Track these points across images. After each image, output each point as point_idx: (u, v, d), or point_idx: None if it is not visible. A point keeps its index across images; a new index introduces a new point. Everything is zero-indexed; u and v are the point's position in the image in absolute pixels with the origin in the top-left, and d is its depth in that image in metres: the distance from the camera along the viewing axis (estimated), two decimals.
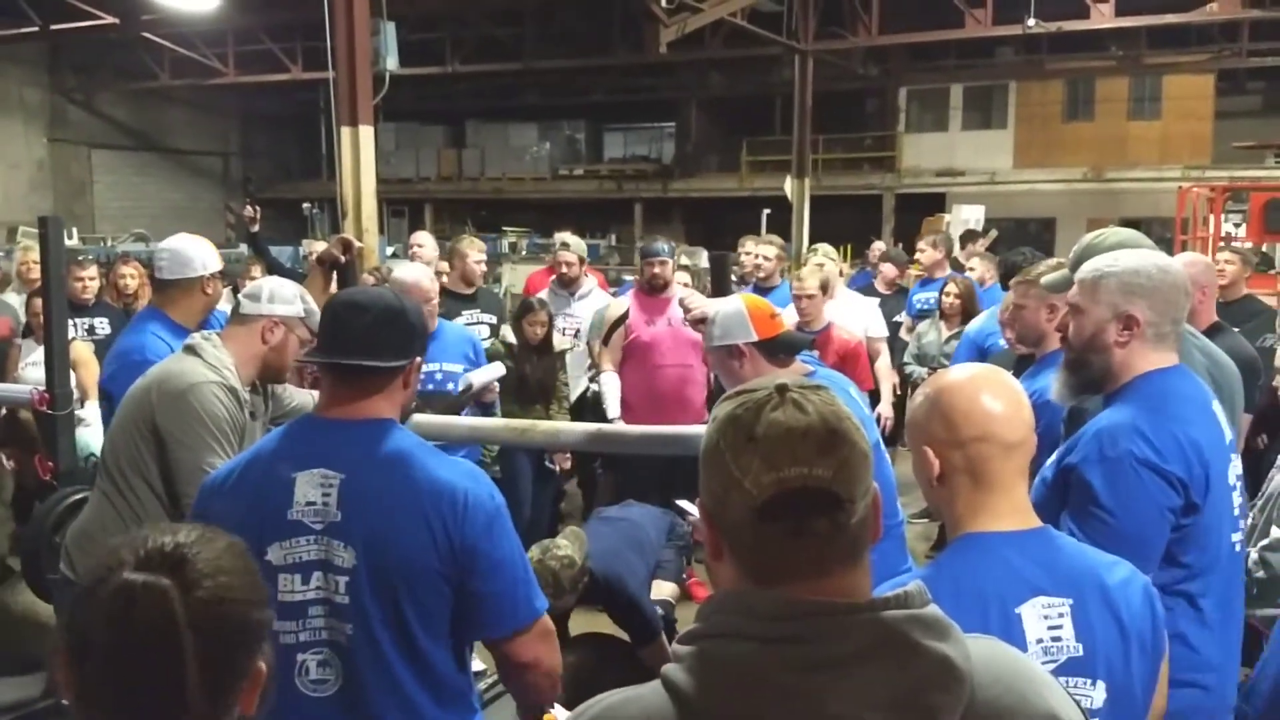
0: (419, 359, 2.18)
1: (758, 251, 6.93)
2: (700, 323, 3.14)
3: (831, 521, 1.10)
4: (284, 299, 2.97)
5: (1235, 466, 2.29)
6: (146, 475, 2.82)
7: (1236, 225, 13.27)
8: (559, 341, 5.75)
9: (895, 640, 1.07)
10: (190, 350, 2.90)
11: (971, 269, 7.34)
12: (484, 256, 6.40)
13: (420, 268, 5.09)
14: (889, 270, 7.96)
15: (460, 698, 2.13)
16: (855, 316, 6.15)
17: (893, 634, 1.07)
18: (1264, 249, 12.03)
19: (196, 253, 3.66)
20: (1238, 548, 2.30)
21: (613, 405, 5.44)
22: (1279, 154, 19.67)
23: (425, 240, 7.31)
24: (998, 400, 1.69)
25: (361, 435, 2.07)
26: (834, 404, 1.15)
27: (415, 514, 2.00)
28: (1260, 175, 18.29)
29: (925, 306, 7.18)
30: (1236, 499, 2.28)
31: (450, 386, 4.79)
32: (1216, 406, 2.28)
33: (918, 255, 7.62)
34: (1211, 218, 12.57)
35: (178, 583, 1.19)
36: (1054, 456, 2.25)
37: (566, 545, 3.62)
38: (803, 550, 1.11)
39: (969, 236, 10.31)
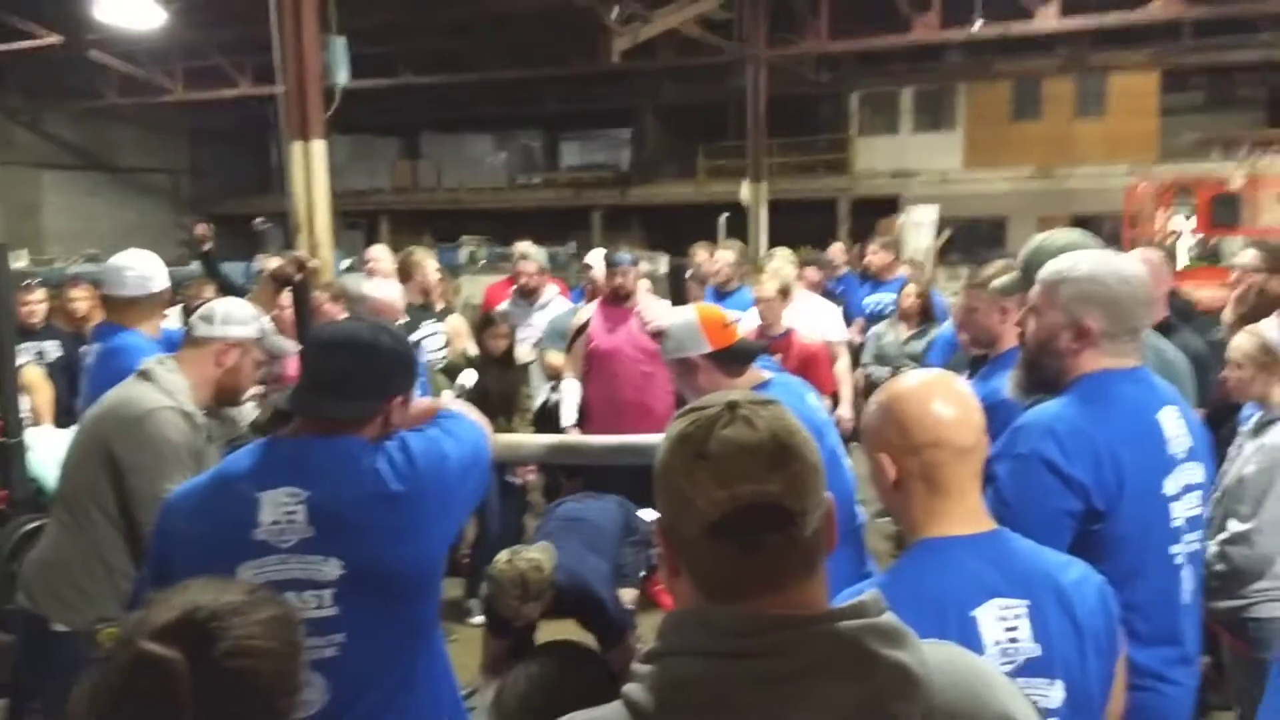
0: (400, 398, 2.14)
1: (717, 256, 6.95)
2: (659, 335, 3.15)
3: (784, 536, 1.11)
4: (238, 320, 2.94)
5: (1185, 475, 2.21)
6: (103, 504, 2.78)
7: (1187, 218, 13.51)
8: (521, 354, 5.74)
9: (853, 651, 1.08)
10: (144, 376, 2.86)
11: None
12: (436, 265, 6.38)
13: (391, 285, 5.07)
14: (812, 274, 7.86)
15: (450, 701, 2.18)
16: (814, 320, 6.17)
17: (850, 645, 1.08)
18: (1213, 243, 12.24)
19: (156, 269, 3.69)
20: (1179, 559, 2.21)
21: (567, 413, 5.43)
22: (1224, 148, 19.99)
23: (382, 254, 7.25)
24: (949, 406, 1.71)
25: (325, 452, 2.05)
26: (784, 419, 1.16)
27: (393, 523, 2.01)
28: (1206, 169, 18.61)
29: (877, 309, 7.17)
30: (1182, 510, 2.21)
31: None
32: (1166, 414, 2.22)
33: (869, 258, 7.61)
34: (1159, 213, 12.78)
35: (193, 656, 1.14)
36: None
37: (535, 551, 3.61)
38: (757, 566, 1.12)
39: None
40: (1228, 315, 4.30)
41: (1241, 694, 3.26)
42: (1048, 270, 2.28)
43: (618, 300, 5.58)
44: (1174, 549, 2.20)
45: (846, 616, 1.10)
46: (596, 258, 6.62)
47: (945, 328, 5.89)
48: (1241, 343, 3.42)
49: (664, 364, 5.36)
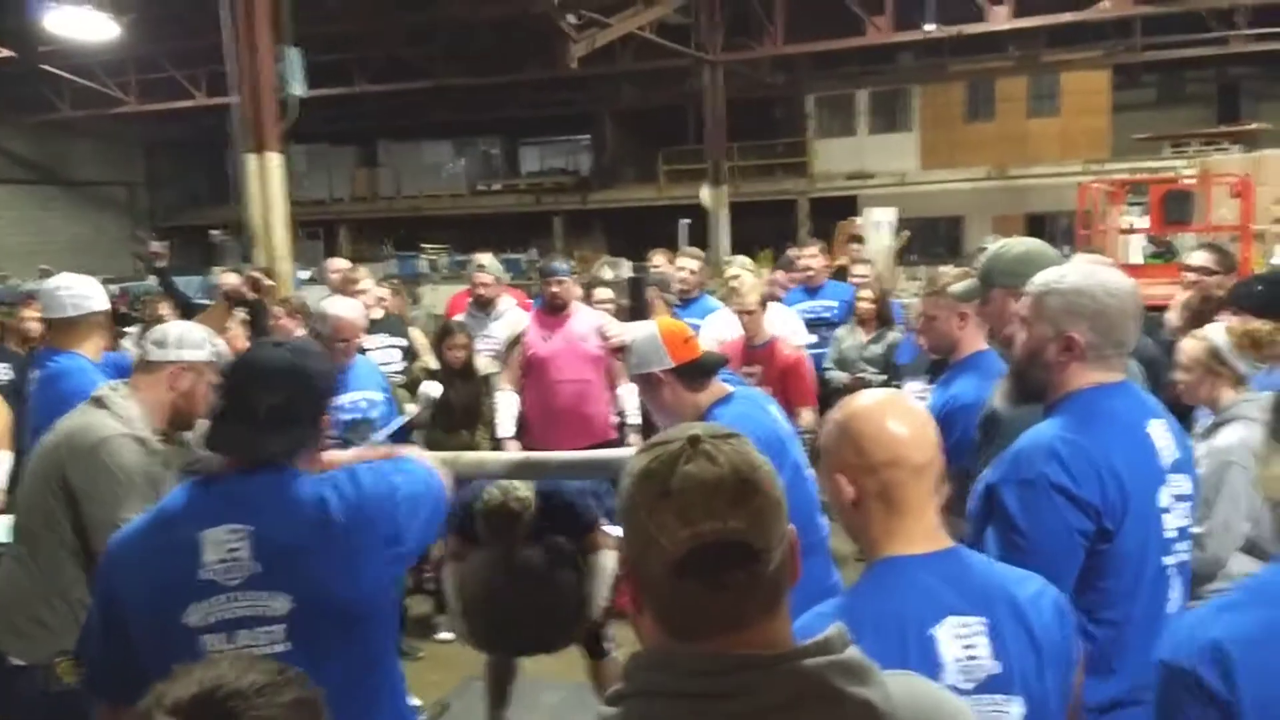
0: (326, 416, 2.14)
1: (680, 264, 6.94)
2: (620, 350, 3.16)
3: (749, 573, 1.11)
4: (192, 344, 2.90)
5: (1175, 486, 2.22)
6: (61, 535, 2.73)
7: (1139, 216, 13.67)
8: (483, 365, 5.72)
9: (818, 689, 1.08)
10: (97, 402, 2.82)
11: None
12: (370, 285, 6.37)
13: (352, 303, 5.04)
14: (781, 277, 7.68)
15: None
16: (774, 327, 6.18)
17: (815, 683, 1.08)
18: (1169, 240, 12.37)
19: (93, 289, 3.66)
20: (1171, 570, 2.23)
21: (505, 424, 5.40)
22: (1175, 145, 20.29)
23: (344, 266, 7.28)
24: (903, 424, 1.72)
25: (263, 485, 2.02)
26: (747, 453, 1.16)
27: (341, 552, 1.98)
28: (1157, 166, 18.86)
29: (813, 316, 6.97)
30: (1173, 521, 2.22)
31: (374, 414, 4.76)
32: (1155, 427, 2.23)
33: (808, 261, 7.41)
34: (1112, 210, 12.92)
35: None
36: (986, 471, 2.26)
37: (523, 486, 3.72)
38: (721, 603, 1.11)
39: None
40: (1173, 319, 4.35)
41: None
42: (1037, 281, 2.28)
43: (554, 310, 5.56)
44: (1166, 560, 2.21)
45: (811, 654, 1.10)
46: (482, 258, 6.57)
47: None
48: (1189, 347, 3.47)
49: (604, 374, 5.42)
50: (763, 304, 5.47)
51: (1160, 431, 2.24)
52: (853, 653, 1.13)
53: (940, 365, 4.36)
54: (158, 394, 2.86)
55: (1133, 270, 10.42)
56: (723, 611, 1.12)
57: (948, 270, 4.31)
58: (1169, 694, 1.51)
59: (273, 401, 2.01)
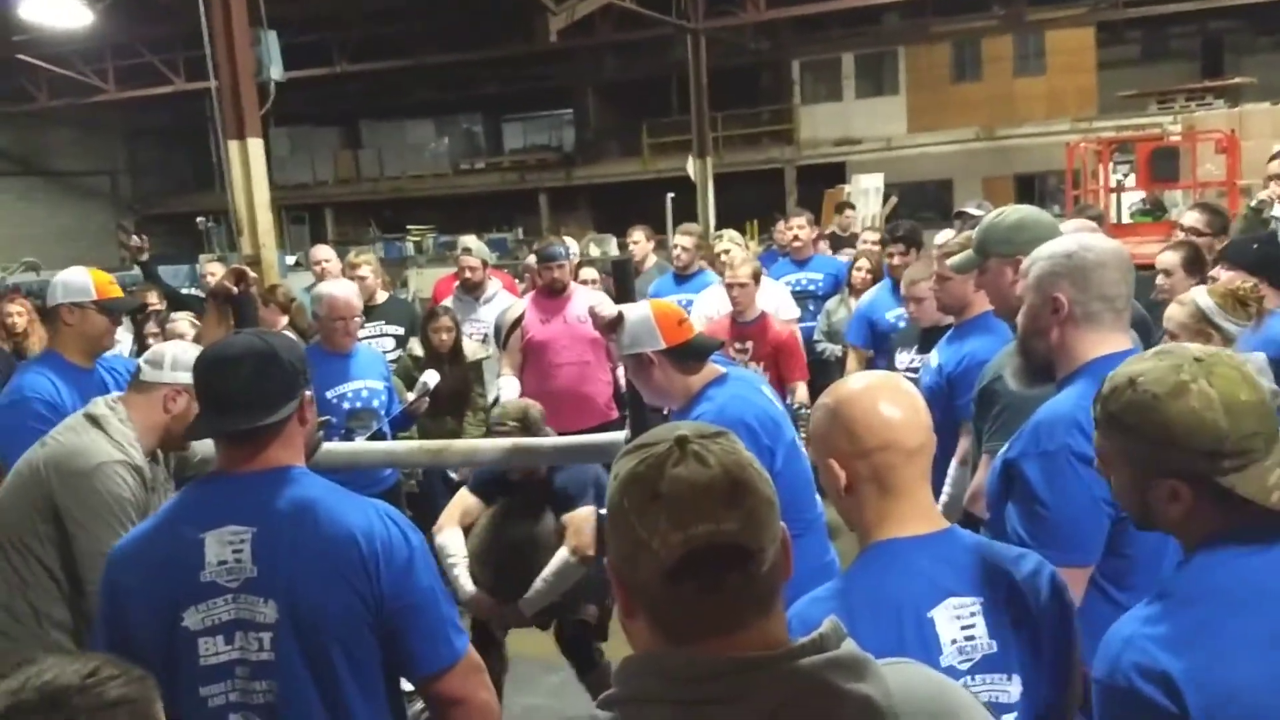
0: (308, 393, 2.12)
1: (676, 239, 6.90)
2: (612, 328, 3.13)
3: (743, 575, 1.09)
4: (186, 365, 2.86)
5: None
6: (39, 552, 2.69)
7: (1125, 176, 13.64)
8: (471, 350, 5.67)
9: (816, 689, 1.06)
10: (94, 422, 2.77)
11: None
12: (373, 269, 6.32)
13: (346, 284, 5.01)
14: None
15: None
16: (764, 301, 6.15)
17: (813, 682, 1.07)
18: (1161, 197, 12.36)
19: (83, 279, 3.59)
20: None
21: None
22: (1161, 100, 20.23)
23: (329, 255, 7.22)
24: (895, 407, 1.71)
25: (266, 486, 2.02)
26: (735, 452, 1.14)
27: (332, 564, 1.96)
28: (1144, 123, 18.81)
29: (799, 288, 6.93)
30: None
31: (376, 404, 4.73)
32: None
33: (796, 233, 7.33)
34: (1101, 170, 12.89)
35: None
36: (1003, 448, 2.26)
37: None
38: (716, 606, 1.10)
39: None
40: (1163, 281, 4.32)
41: None
42: (1028, 258, 2.32)
43: (552, 293, 5.53)
44: None
45: (807, 652, 1.08)
46: (467, 241, 6.54)
47: (861, 303, 5.89)
48: (1174, 312, 3.46)
49: (604, 355, 5.40)
50: (755, 278, 5.44)
51: None
52: (849, 647, 1.11)
53: (931, 335, 4.37)
54: (150, 415, 2.82)
55: (1122, 229, 10.42)
56: (718, 615, 1.10)
57: (952, 237, 4.31)
58: (1114, 713, 1.51)
59: (238, 380, 2.00)
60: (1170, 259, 4.31)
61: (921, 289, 4.32)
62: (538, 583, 3.83)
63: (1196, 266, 4.24)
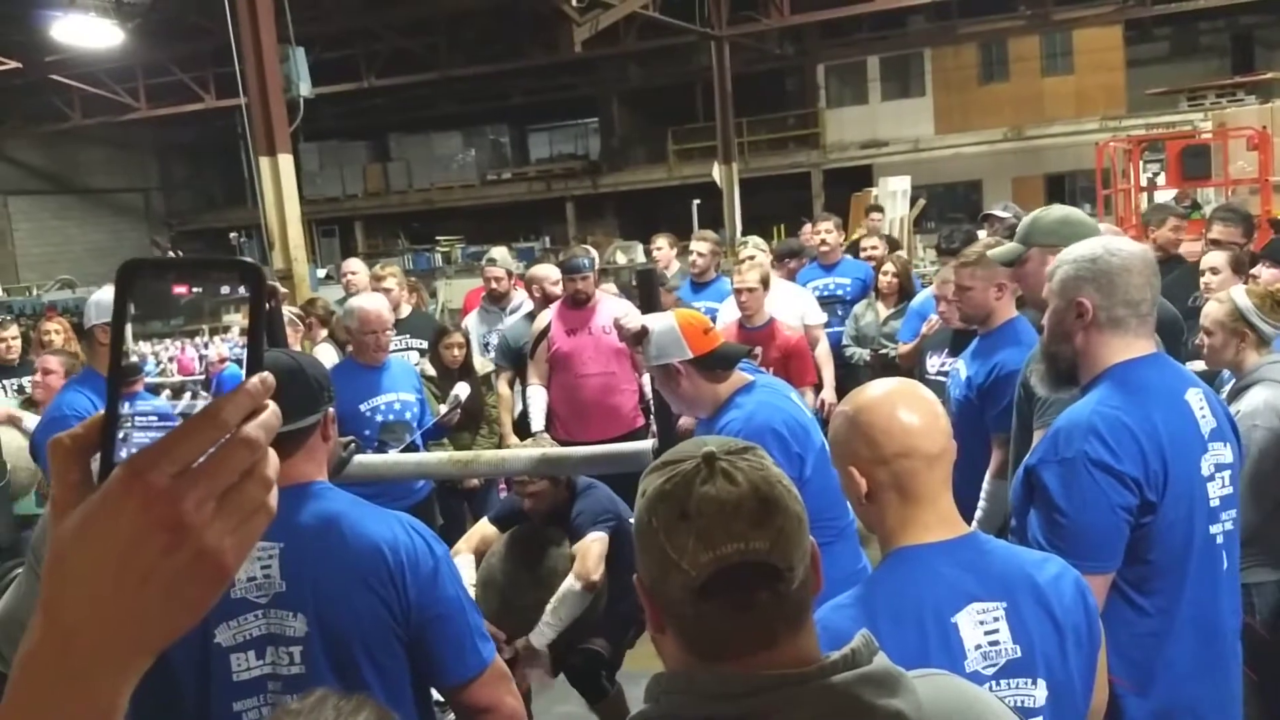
0: (330, 410, 2.15)
1: (693, 246, 6.90)
2: (638, 340, 3.13)
3: (773, 592, 1.09)
4: None
5: (1216, 455, 2.22)
6: None
7: (1155, 174, 13.53)
8: (481, 365, 5.67)
9: (848, 705, 1.06)
10: None
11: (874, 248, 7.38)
12: (399, 281, 6.35)
13: (378, 298, 5.07)
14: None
15: None
16: (790, 305, 6.15)
17: (845, 699, 1.06)
18: (1192, 195, 12.24)
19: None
20: (1219, 539, 2.23)
21: (537, 419, 5.39)
22: (1191, 97, 20.04)
23: (359, 268, 7.27)
24: (915, 414, 1.70)
25: (292, 502, 2.04)
26: (764, 468, 1.13)
27: (359, 577, 1.98)
28: (1174, 120, 18.65)
29: (827, 293, 6.91)
30: (1217, 490, 2.22)
31: (408, 415, 4.77)
32: (1193, 395, 2.23)
33: (824, 237, 7.35)
34: (1131, 168, 12.79)
35: None
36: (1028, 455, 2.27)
37: None
38: (747, 624, 1.10)
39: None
40: (1211, 282, 4.30)
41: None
42: (1052, 263, 2.32)
43: (577, 304, 5.56)
44: (1213, 529, 2.22)
45: (839, 669, 1.08)
46: (493, 253, 6.56)
47: (916, 301, 5.89)
48: (1212, 310, 3.43)
49: (628, 364, 5.41)
50: (763, 284, 5.44)
51: (1198, 400, 2.24)
52: (881, 662, 1.10)
53: (961, 338, 4.35)
54: None
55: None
56: (748, 633, 1.10)
57: (981, 241, 4.30)
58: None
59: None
60: (1218, 258, 4.31)
61: (951, 288, 4.32)
62: (546, 615, 3.77)
63: (1242, 266, 4.25)
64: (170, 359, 0.70)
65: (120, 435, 0.64)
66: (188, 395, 0.69)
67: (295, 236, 9.21)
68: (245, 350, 0.65)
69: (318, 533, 2.01)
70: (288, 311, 5.72)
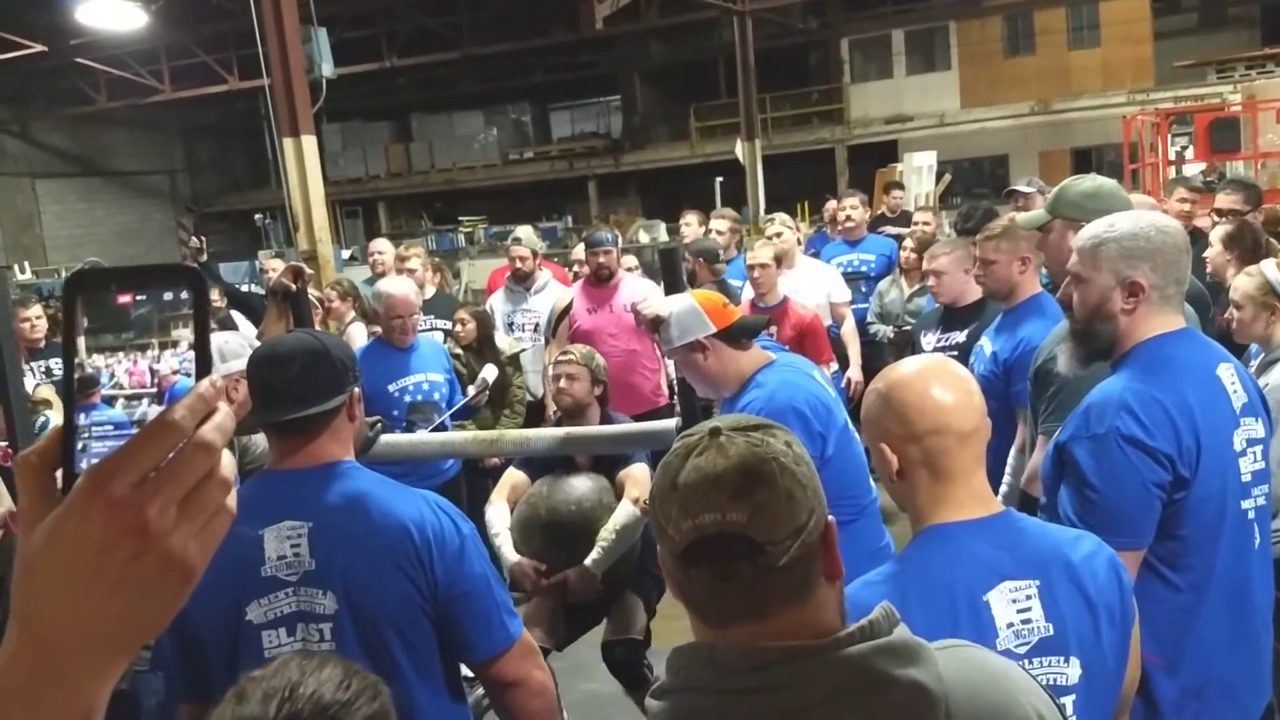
0: (356, 390, 2.17)
1: (711, 225, 6.88)
2: (655, 326, 3.11)
3: (753, 565, 1.10)
4: (234, 353, 2.96)
5: (1247, 430, 2.21)
6: None
7: (1184, 148, 13.39)
8: (507, 343, 5.65)
9: (866, 676, 1.07)
10: None
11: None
12: (423, 262, 6.35)
13: (406, 282, 5.09)
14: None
15: None
16: (816, 283, 6.12)
17: (862, 670, 1.07)
18: (1221, 169, 12.10)
19: None
20: (1251, 514, 2.22)
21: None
22: (1220, 69, 19.78)
23: (385, 248, 7.25)
24: (948, 391, 1.69)
25: (319, 481, 2.07)
26: (763, 444, 1.14)
27: (387, 555, 2.01)
28: (1203, 93, 18.42)
29: (852, 270, 6.84)
30: (1249, 465, 2.20)
31: (437, 396, 4.79)
32: (1224, 370, 2.22)
33: (849, 213, 7.28)
34: (1159, 141, 12.66)
35: None
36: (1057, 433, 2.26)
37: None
38: (731, 594, 1.12)
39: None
40: (1216, 257, 4.25)
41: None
42: (1085, 236, 2.24)
43: (600, 281, 5.54)
44: (1245, 504, 2.21)
45: (856, 640, 1.08)
46: (518, 232, 6.54)
47: None
48: (1242, 283, 3.40)
49: (650, 343, 5.38)
50: (776, 260, 5.42)
51: (1229, 375, 2.23)
52: (900, 633, 1.10)
53: (951, 314, 4.34)
54: None
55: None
56: (735, 602, 1.12)
57: (1002, 217, 4.28)
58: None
59: (289, 374, 2.07)
60: (1215, 233, 4.29)
61: (941, 263, 4.32)
62: (602, 539, 3.65)
63: (1236, 241, 4.19)
64: (125, 371, 0.73)
65: (79, 446, 0.66)
66: (143, 404, 0.72)
67: (320, 218, 9.25)
68: (194, 354, 0.66)
69: (345, 512, 2.04)
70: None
